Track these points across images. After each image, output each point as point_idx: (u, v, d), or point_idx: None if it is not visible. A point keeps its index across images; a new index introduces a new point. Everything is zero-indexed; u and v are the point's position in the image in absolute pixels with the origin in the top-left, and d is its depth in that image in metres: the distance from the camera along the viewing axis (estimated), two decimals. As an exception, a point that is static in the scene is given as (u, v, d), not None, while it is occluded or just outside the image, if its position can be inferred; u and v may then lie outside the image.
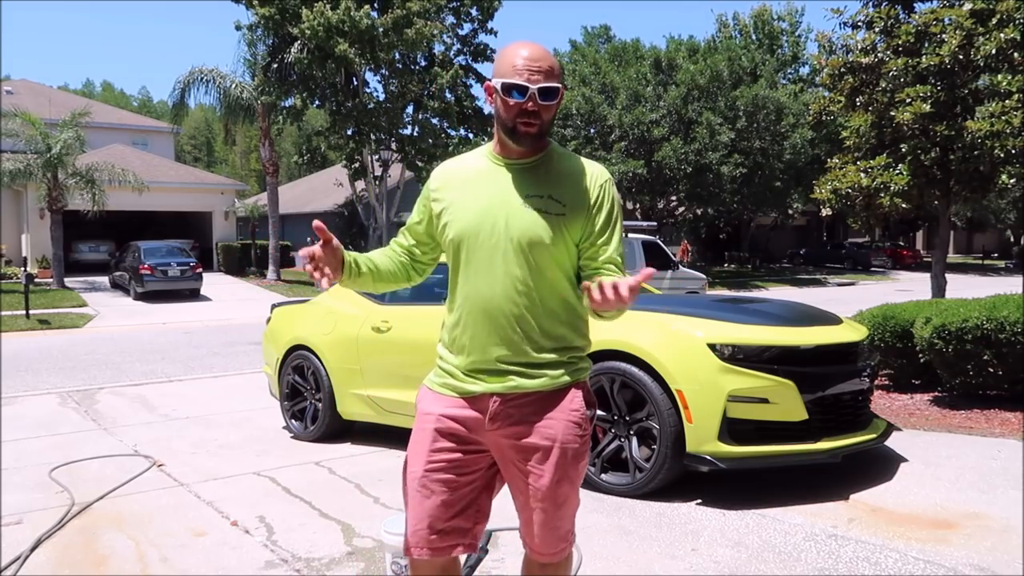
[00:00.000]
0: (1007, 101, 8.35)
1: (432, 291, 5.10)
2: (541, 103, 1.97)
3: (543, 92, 1.96)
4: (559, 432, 2.04)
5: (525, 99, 1.96)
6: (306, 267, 2.01)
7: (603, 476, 4.37)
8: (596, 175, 2.08)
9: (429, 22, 21.23)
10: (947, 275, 10.26)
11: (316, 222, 2.01)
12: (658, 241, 15.57)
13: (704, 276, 16.83)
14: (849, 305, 10.99)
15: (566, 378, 2.06)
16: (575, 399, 2.07)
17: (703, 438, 4.09)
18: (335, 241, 2.03)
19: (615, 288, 1.73)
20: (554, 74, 1.99)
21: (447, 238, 2.09)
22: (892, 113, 8.97)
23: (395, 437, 5.55)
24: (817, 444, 4.23)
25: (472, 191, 2.08)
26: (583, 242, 2.05)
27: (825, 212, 10.93)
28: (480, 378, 2.06)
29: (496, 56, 2.08)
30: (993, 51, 8.33)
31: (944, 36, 8.75)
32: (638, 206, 31.75)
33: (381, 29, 20.66)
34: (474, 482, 2.10)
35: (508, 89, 1.97)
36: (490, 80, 2.03)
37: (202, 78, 25.51)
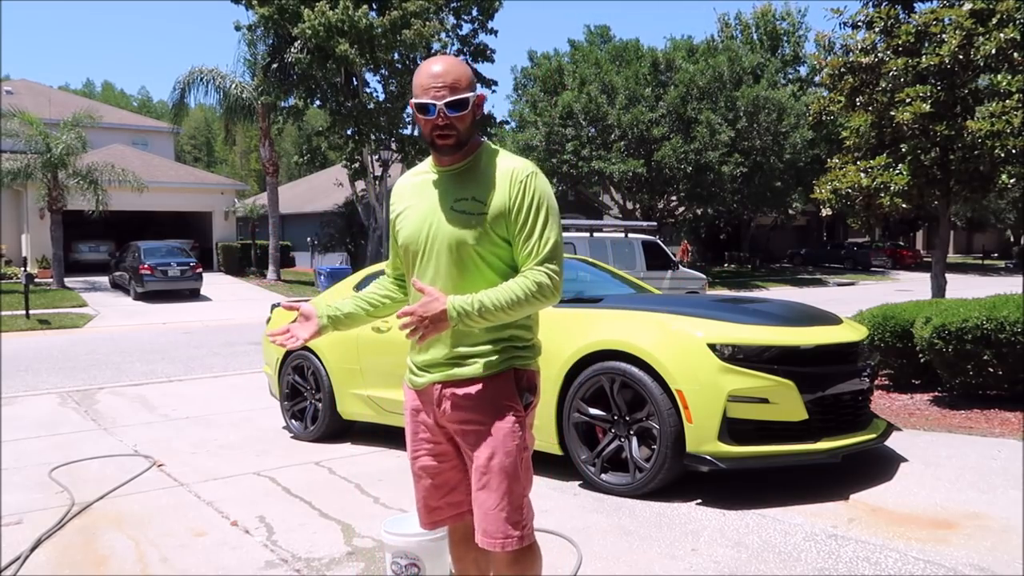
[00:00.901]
0: (1007, 101, 8.35)
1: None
2: (451, 116, 2.10)
3: (450, 105, 2.10)
4: (489, 413, 2.18)
5: (435, 115, 2.10)
6: (277, 340, 2.29)
7: (603, 476, 4.37)
8: (516, 171, 2.17)
9: (427, 22, 21.20)
10: (947, 275, 10.26)
11: (284, 302, 2.31)
12: (658, 241, 15.56)
13: (704, 276, 16.82)
14: (849, 305, 10.99)
15: (501, 365, 2.20)
16: (507, 381, 2.20)
17: (703, 438, 4.09)
18: (303, 308, 2.33)
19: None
20: (461, 86, 2.11)
21: (398, 246, 2.31)
22: (892, 113, 8.97)
23: (395, 437, 5.55)
24: (817, 444, 4.23)
25: (415, 201, 2.27)
26: (514, 242, 2.17)
27: (825, 212, 10.91)
28: (426, 370, 2.26)
29: (414, 77, 2.20)
30: (993, 51, 8.33)
31: (944, 36, 8.75)
32: (638, 206, 31.75)
33: (380, 30, 20.64)
34: (457, 465, 2.32)
35: (421, 108, 2.13)
36: (412, 101, 2.17)
37: (202, 78, 25.54)
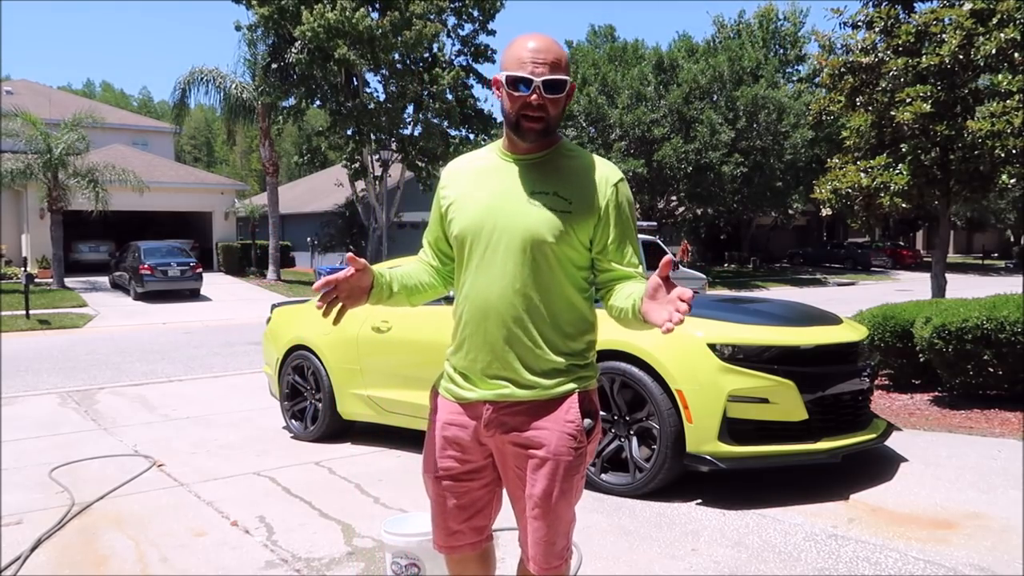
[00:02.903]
0: (1007, 101, 8.34)
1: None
2: (547, 96, 1.89)
3: (548, 85, 1.88)
4: (553, 443, 1.95)
5: (530, 92, 1.88)
6: (319, 301, 1.92)
7: (603, 476, 4.37)
8: (607, 175, 1.99)
9: (429, 23, 21.20)
10: (947, 275, 10.25)
11: (348, 254, 1.94)
12: (658, 241, 15.55)
13: (704, 276, 16.82)
14: (849, 305, 10.99)
15: (563, 387, 1.98)
16: (571, 409, 1.97)
17: (703, 438, 4.09)
18: (365, 266, 1.98)
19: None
20: (561, 66, 1.90)
21: (452, 234, 2.05)
22: (892, 113, 8.96)
23: (395, 437, 5.56)
24: (817, 444, 4.23)
25: (478, 187, 2.02)
26: (599, 249, 1.99)
27: (825, 212, 10.90)
28: (474, 383, 2.02)
29: (504, 49, 1.99)
30: (993, 51, 8.32)
31: (944, 36, 8.74)
32: (638, 206, 31.76)
33: (380, 31, 20.65)
34: (486, 485, 2.12)
35: (513, 82, 1.89)
36: (498, 74, 1.96)
37: (202, 78, 25.54)
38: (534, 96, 1.89)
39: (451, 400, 2.08)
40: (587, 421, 2.00)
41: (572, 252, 1.96)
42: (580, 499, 2.08)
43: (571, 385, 1.99)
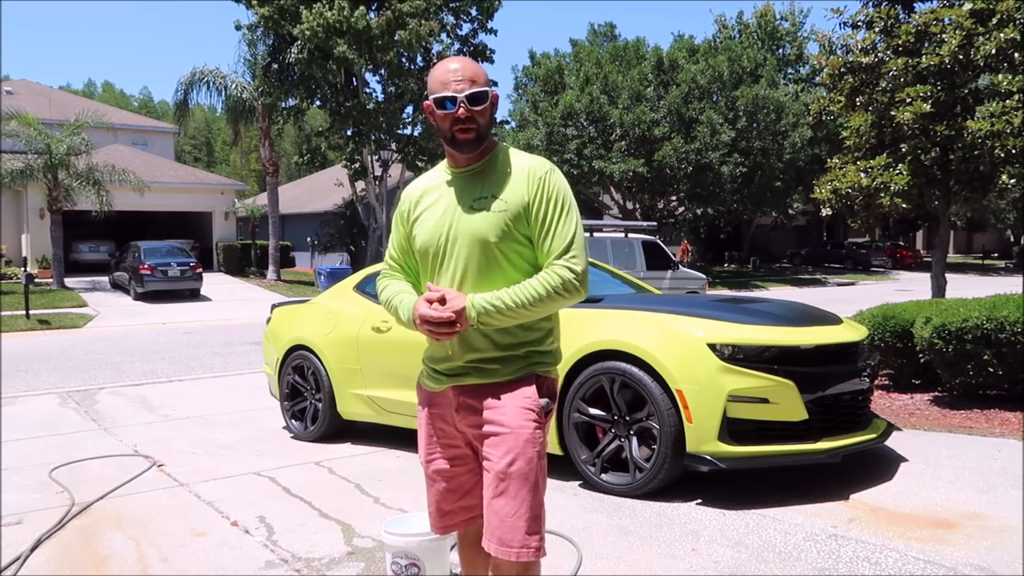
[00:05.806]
0: (1007, 101, 8.34)
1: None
2: (472, 109, 2.12)
3: (471, 98, 2.12)
4: (510, 417, 2.13)
5: (456, 108, 2.11)
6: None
7: (603, 476, 4.37)
8: (535, 168, 2.17)
9: (424, 22, 21.18)
10: (947, 275, 10.25)
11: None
12: (658, 241, 15.55)
13: (704, 276, 16.81)
14: (849, 305, 10.99)
15: (522, 370, 2.18)
16: (527, 387, 2.17)
17: (703, 438, 4.09)
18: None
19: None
20: (479, 81, 2.14)
21: (416, 249, 2.28)
22: (892, 113, 8.96)
23: (395, 437, 5.56)
24: (817, 444, 4.23)
25: (431, 204, 2.25)
26: (535, 241, 2.15)
27: (825, 212, 10.90)
28: (443, 373, 2.23)
29: (428, 77, 2.20)
30: (993, 51, 8.32)
31: (944, 36, 8.74)
32: (638, 206, 31.74)
33: (377, 30, 20.64)
34: (472, 469, 2.28)
35: (440, 103, 2.13)
36: (426, 100, 2.16)
37: (203, 79, 25.54)
38: (461, 110, 2.12)
39: (427, 391, 2.31)
40: (545, 400, 2.18)
41: (518, 247, 2.16)
42: (546, 486, 2.19)
43: (529, 369, 2.19)
